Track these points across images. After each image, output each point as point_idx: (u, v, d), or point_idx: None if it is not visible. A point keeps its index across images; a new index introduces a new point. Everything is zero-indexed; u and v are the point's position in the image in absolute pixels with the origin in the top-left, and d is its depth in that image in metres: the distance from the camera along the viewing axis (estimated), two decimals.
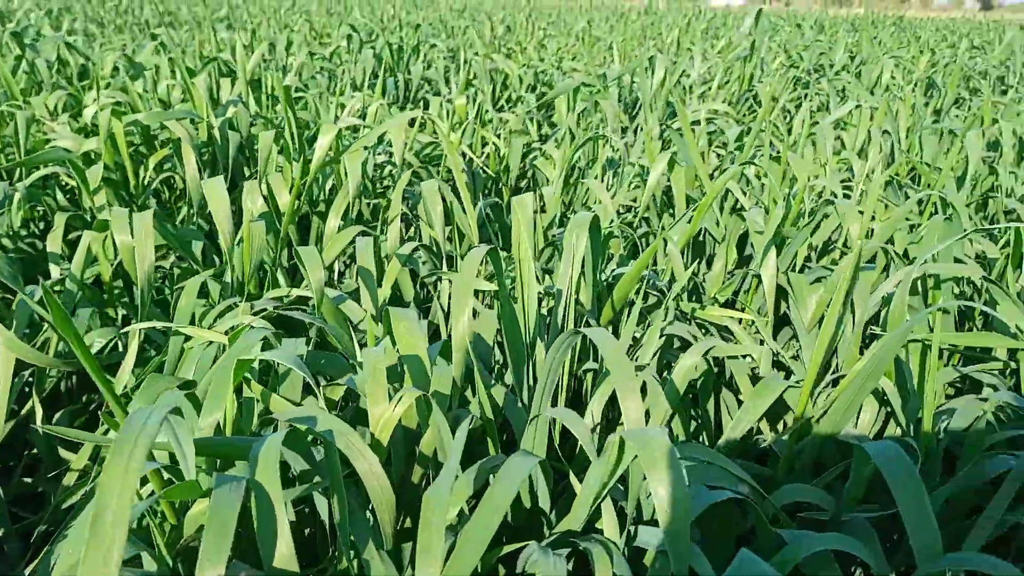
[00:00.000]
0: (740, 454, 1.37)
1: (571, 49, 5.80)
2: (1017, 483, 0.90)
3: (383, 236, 1.68)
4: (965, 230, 1.72)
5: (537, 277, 1.46)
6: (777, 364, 1.64)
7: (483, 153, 2.72)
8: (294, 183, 1.51)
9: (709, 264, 2.06)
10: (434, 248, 1.62)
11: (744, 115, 3.52)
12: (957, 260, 1.82)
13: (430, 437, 0.90)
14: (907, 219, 2.12)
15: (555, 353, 0.98)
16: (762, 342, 1.64)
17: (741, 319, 1.65)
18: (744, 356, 1.58)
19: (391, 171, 2.12)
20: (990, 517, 0.89)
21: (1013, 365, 1.45)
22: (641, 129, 3.31)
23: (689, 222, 1.79)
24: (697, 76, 3.97)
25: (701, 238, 2.04)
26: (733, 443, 1.24)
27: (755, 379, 1.55)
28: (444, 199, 1.73)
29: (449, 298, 1.44)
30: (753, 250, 1.84)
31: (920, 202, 2.16)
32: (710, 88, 3.64)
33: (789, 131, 3.14)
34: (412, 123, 2.30)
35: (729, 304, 1.82)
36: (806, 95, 3.63)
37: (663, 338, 1.44)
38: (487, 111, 2.82)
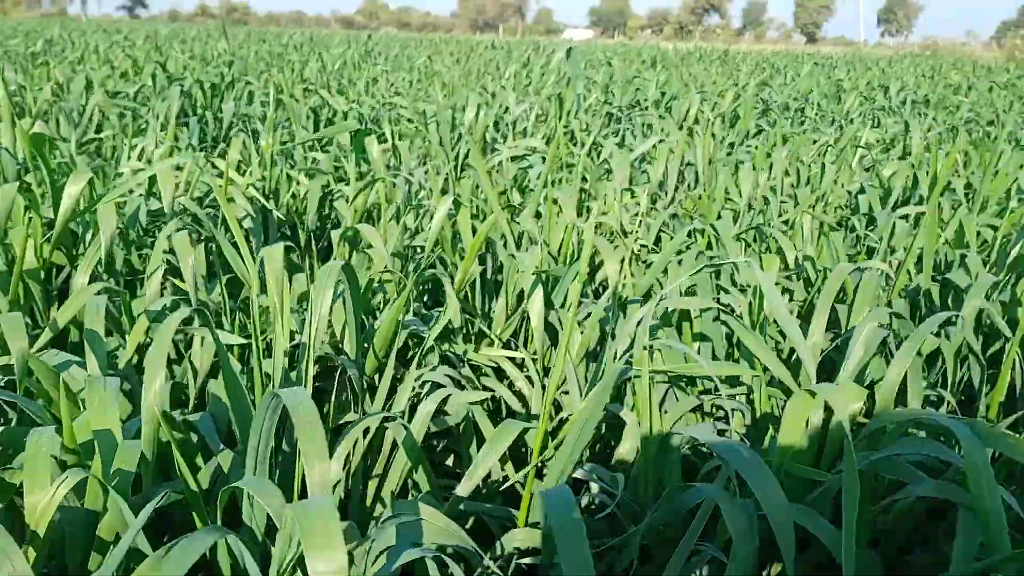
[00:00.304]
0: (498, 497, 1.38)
1: (407, 86, 5.83)
2: (707, 514, 0.95)
3: (142, 291, 1.60)
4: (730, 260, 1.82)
5: (295, 330, 1.42)
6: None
7: (290, 194, 2.66)
8: (30, 237, 1.40)
9: None
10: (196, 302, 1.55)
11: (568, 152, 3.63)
12: (724, 290, 1.93)
13: (110, 521, 0.84)
14: (692, 250, 2.24)
15: (262, 417, 0.94)
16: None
17: (520, 358, 1.67)
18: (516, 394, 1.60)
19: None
20: (684, 547, 0.93)
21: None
22: (461, 167, 3.35)
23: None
24: (520, 112, 4.07)
25: (495, 277, 2.07)
26: (475, 488, 1.24)
27: (529, 418, 1.57)
28: (214, 246, 1.66)
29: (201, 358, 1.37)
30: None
31: (701, 233, 2.28)
32: (528, 124, 3.74)
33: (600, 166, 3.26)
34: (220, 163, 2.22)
35: (510, 344, 1.85)
36: (617, 131, 3.80)
37: (427, 384, 1.43)
38: (284, 152, 2.75)
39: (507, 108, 4.12)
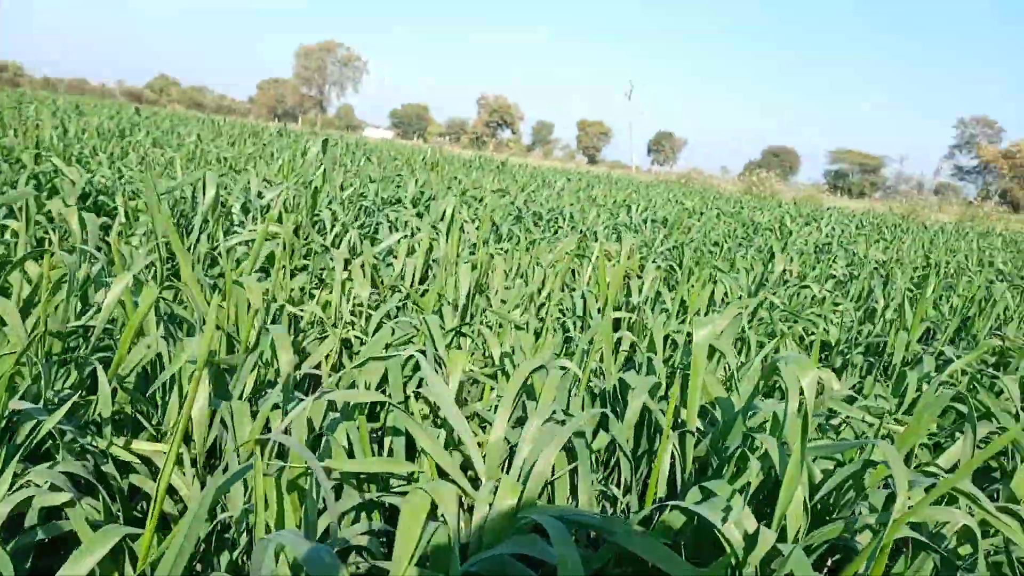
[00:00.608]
0: None
1: (165, 162, 5.51)
2: None
3: None
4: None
5: None
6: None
7: None
8: None
9: None
10: None
11: (309, 239, 3.56)
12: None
13: None
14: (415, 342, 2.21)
15: None
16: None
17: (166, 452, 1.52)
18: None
19: None
20: None
21: None
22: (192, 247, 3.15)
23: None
24: (270, 197, 3.97)
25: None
26: None
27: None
28: None
29: None
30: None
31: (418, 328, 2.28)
32: (277, 209, 3.64)
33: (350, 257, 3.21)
34: None
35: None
36: (374, 225, 3.80)
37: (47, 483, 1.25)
38: None
39: (254, 191, 3.99)
